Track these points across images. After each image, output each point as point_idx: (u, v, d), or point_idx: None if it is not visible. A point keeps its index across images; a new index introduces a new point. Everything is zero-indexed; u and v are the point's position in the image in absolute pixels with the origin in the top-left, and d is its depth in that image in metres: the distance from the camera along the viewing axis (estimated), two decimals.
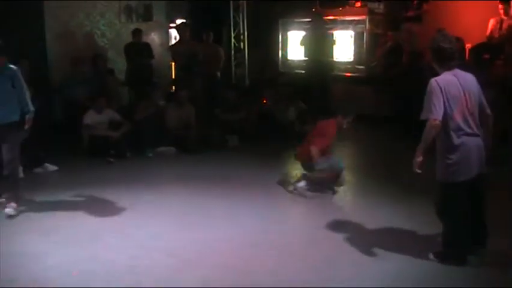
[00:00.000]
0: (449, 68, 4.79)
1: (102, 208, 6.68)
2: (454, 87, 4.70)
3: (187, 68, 11.38)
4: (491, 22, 11.21)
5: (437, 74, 4.88)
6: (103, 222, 6.20)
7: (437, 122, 4.66)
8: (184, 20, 12.59)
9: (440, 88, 4.67)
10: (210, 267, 5.05)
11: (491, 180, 5.10)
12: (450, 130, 4.70)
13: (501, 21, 11.09)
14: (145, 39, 11.79)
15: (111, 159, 8.75)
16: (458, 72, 4.81)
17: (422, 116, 4.73)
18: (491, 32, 11.11)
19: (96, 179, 7.91)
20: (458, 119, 4.69)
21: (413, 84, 10.45)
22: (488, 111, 4.87)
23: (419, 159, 4.77)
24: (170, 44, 12.54)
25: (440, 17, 12.14)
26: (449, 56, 4.79)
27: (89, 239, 5.71)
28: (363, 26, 12.14)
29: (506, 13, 11.02)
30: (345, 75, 12.27)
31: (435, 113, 4.65)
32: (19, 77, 6.31)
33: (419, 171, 4.78)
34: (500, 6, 11.09)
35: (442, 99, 4.65)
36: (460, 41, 10.79)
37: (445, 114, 4.67)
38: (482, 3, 11.70)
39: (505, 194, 6.70)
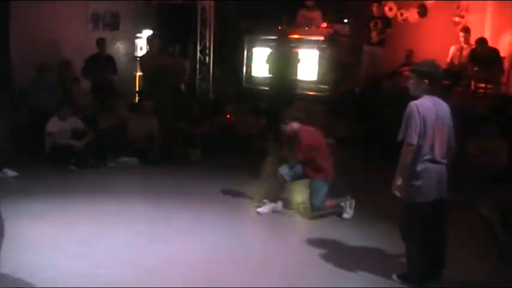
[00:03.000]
0: (434, 94, 4.91)
1: (63, 216, 6.64)
2: (430, 114, 4.81)
3: (154, 81, 11.42)
4: (452, 49, 11.61)
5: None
6: (63, 231, 6.14)
7: (414, 146, 4.78)
8: (152, 32, 12.60)
9: (419, 113, 4.78)
10: (170, 281, 5.06)
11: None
12: (417, 155, 4.82)
13: (461, 49, 11.52)
14: (110, 48, 11.76)
15: (73, 167, 8.70)
16: (436, 99, 4.93)
17: (399, 137, 4.85)
18: (452, 59, 11.50)
19: (57, 186, 7.87)
20: (427, 145, 4.82)
21: (373, 108, 10.82)
22: (452, 142, 5.00)
23: (398, 182, 4.88)
24: (138, 56, 12.55)
25: (402, 41, 12.49)
26: (440, 82, 4.97)
27: (48, 247, 5.65)
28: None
29: (466, 42, 11.44)
30: (308, 94, 12.42)
31: (411, 137, 4.77)
32: None
33: (398, 194, 4.90)
34: (461, 34, 11.51)
35: (419, 125, 4.77)
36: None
37: (418, 139, 4.79)
38: (443, 31, 12.11)
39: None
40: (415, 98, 4.96)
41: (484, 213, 6.27)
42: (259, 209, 7.06)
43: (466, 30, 11.65)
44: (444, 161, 4.92)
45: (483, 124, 9.22)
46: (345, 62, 11.62)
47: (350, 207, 7.07)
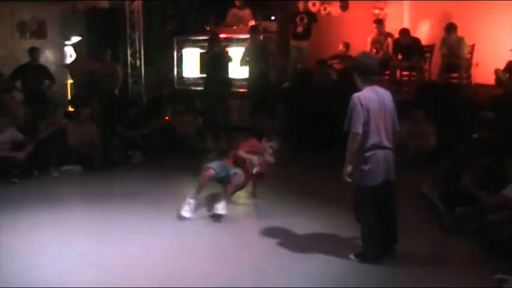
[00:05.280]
0: (371, 83, 5.29)
1: (20, 227, 6.59)
2: (373, 103, 5.19)
3: (84, 86, 11.41)
4: (369, 40, 12.24)
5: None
6: (24, 241, 6.12)
7: (359, 136, 5.14)
8: (80, 38, 12.52)
9: (361, 104, 5.14)
10: (141, 280, 5.20)
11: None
12: (365, 142, 5.19)
13: (379, 40, 12.17)
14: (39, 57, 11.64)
15: (16, 180, 8.58)
16: (377, 88, 5.31)
17: (345, 127, 5.20)
18: (371, 49, 12.11)
19: (2, 199, 7.69)
20: (373, 133, 5.18)
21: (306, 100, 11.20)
22: (397, 127, 5.42)
23: (349, 169, 5.25)
24: (67, 63, 12.44)
25: (326, 34, 12.96)
26: (372, 70, 5.32)
27: (13, 259, 5.62)
28: None
29: (380, 32, 12.11)
30: (240, 92, 12.64)
31: (355, 127, 5.13)
32: None
33: (349, 180, 5.26)
34: (374, 25, 12.18)
35: (362, 114, 5.13)
36: (351, 59, 11.71)
37: (363, 128, 5.15)
38: (364, 23, 12.68)
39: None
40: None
41: (424, 191, 6.80)
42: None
43: (379, 21, 12.34)
44: (390, 145, 5.30)
45: (409, 110, 9.76)
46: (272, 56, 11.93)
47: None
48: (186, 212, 6.83)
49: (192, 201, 6.88)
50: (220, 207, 6.83)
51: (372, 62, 5.43)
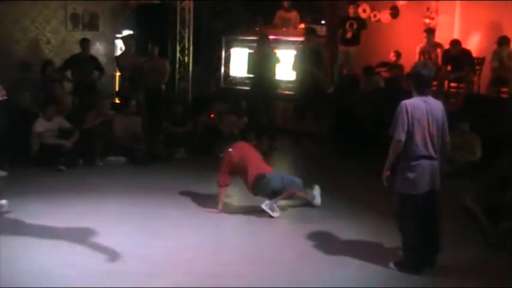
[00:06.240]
0: (423, 94, 5.26)
1: (62, 215, 6.76)
2: (420, 112, 5.16)
3: (131, 80, 11.58)
4: (417, 49, 12.07)
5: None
6: (66, 229, 6.24)
7: (401, 142, 5.14)
8: (130, 32, 12.72)
9: (407, 111, 5.13)
10: (181, 273, 5.29)
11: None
12: (410, 150, 5.17)
13: (428, 50, 11.99)
14: (90, 48, 11.85)
15: (62, 167, 8.79)
16: (428, 98, 5.28)
17: (390, 133, 5.20)
18: (419, 58, 11.94)
19: (49, 186, 7.96)
20: (419, 141, 5.16)
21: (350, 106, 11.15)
22: (446, 138, 5.36)
23: (387, 173, 5.27)
24: (115, 55, 12.65)
25: (375, 41, 12.87)
26: (426, 82, 5.29)
27: (55, 245, 5.78)
28: None
29: (428, 42, 11.91)
30: (286, 94, 12.64)
31: (398, 134, 5.13)
32: None
33: (386, 183, 5.27)
34: (424, 35, 11.98)
35: (406, 122, 5.12)
36: (399, 67, 11.62)
37: (408, 135, 5.14)
38: (414, 31, 12.54)
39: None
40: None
41: (468, 205, 6.70)
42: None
43: (430, 31, 12.13)
44: (437, 156, 5.26)
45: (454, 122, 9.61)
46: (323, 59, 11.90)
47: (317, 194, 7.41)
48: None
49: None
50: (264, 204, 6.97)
51: (429, 73, 5.34)
